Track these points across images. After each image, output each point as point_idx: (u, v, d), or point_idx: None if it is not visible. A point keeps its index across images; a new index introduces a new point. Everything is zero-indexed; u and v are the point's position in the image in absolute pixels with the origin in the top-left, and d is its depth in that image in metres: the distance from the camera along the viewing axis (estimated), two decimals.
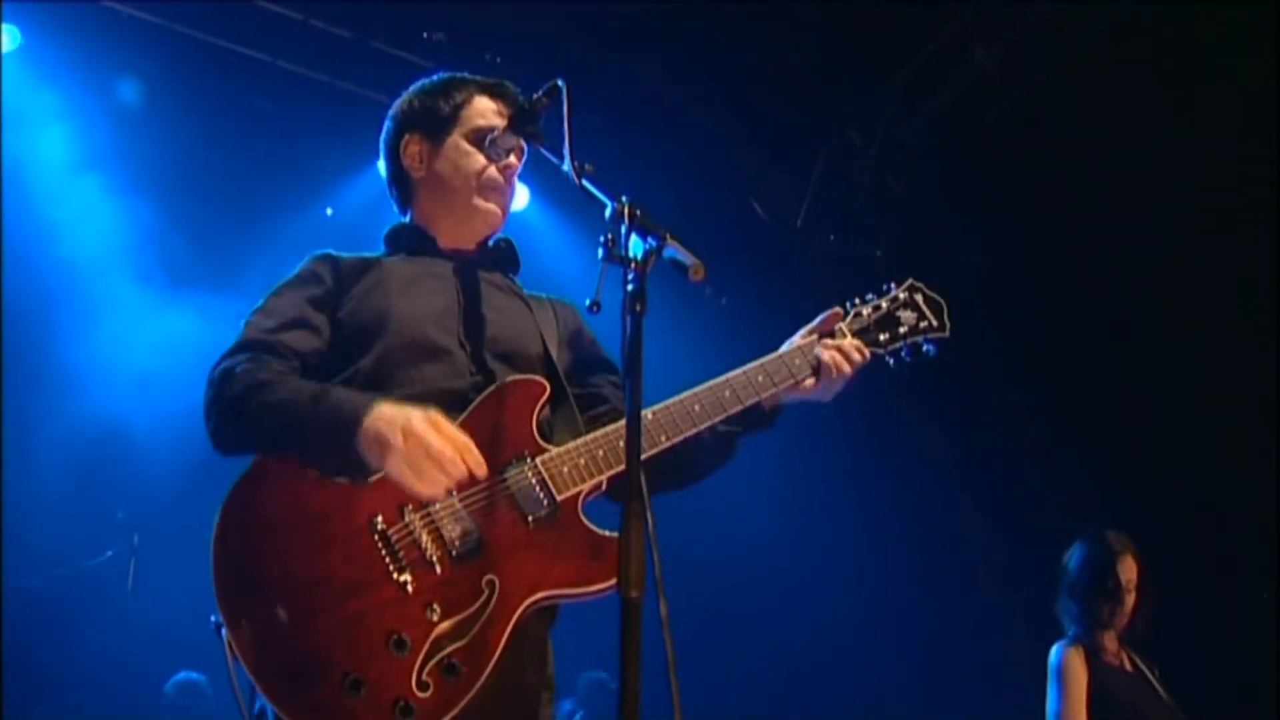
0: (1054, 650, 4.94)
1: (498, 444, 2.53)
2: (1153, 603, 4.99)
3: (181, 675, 6.75)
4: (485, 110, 2.91)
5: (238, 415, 2.49)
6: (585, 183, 2.45)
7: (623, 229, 2.22)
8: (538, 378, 2.66)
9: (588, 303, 2.25)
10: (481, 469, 2.41)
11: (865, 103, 7.65)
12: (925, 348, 3.04)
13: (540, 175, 7.33)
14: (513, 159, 2.90)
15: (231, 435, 2.53)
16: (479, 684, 2.31)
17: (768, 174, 8.14)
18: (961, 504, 8.07)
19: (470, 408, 2.56)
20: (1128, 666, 4.96)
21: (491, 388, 2.60)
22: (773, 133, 7.87)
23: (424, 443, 2.34)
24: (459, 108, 2.91)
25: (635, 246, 2.19)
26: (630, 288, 2.14)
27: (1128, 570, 4.95)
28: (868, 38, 7.10)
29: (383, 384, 2.59)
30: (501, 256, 2.99)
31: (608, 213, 2.28)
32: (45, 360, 7.04)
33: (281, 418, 2.44)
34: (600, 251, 2.21)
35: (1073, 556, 5.08)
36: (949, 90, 7.24)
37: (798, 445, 8.57)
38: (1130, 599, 4.93)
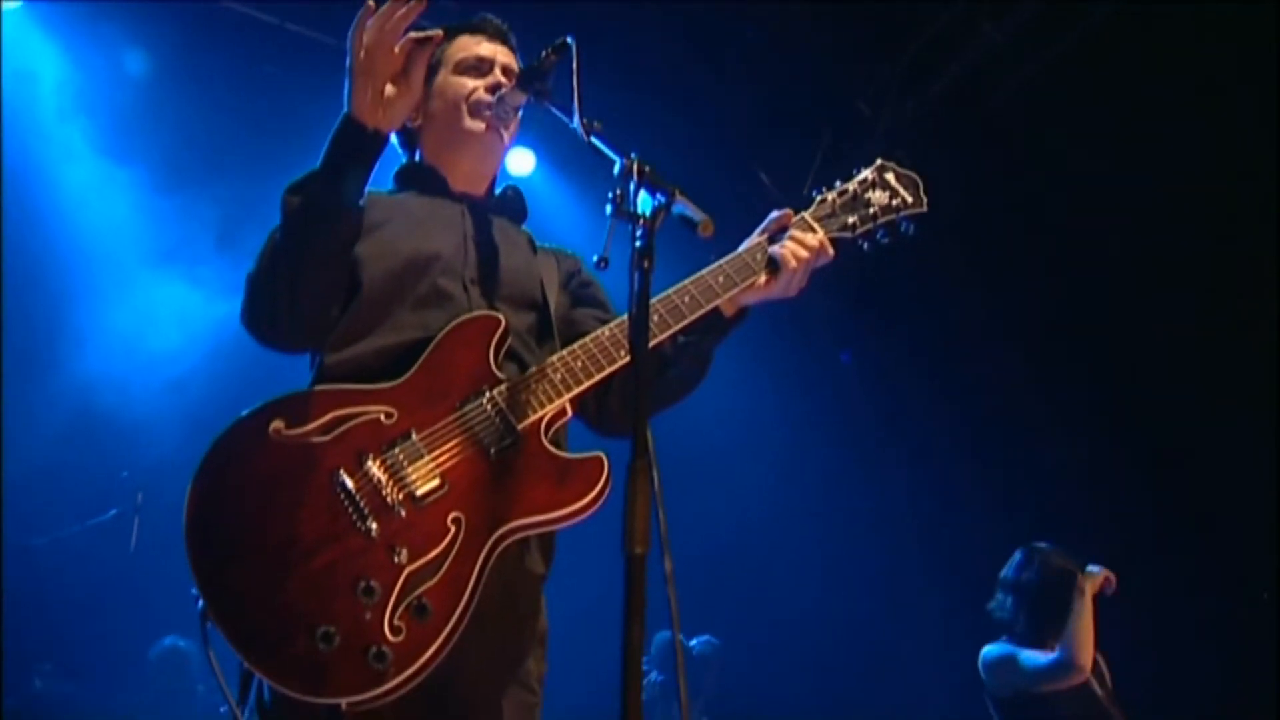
0: (991, 648, 4.94)
1: (454, 381, 2.53)
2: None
3: (167, 641, 6.77)
4: (466, 44, 2.94)
5: (275, 256, 2.50)
6: (594, 140, 2.44)
7: (631, 185, 2.20)
8: (492, 313, 2.64)
9: (595, 259, 2.23)
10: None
11: (874, 75, 7.62)
12: (903, 226, 2.92)
13: (546, 140, 7.39)
14: (500, 75, 2.89)
15: (285, 276, 2.50)
16: (452, 623, 2.30)
17: (775, 144, 8.12)
18: (965, 490, 8.08)
19: (427, 350, 2.56)
20: None
21: (444, 330, 2.59)
22: (781, 104, 7.84)
23: (355, 45, 2.50)
24: (443, 51, 2.93)
25: (644, 203, 2.17)
26: (638, 244, 2.12)
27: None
28: (878, 10, 7.07)
29: (382, 324, 2.61)
30: (509, 204, 3.00)
31: (616, 169, 2.25)
32: (50, 321, 7.06)
33: (302, 201, 2.49)
34: (609, 207, 2.19)
35: (1027, 569, 5.05)
36: (958, 64, 7.20)
37: (804, 429, 8.65)
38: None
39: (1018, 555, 5.13)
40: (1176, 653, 5.88)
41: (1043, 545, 5.12)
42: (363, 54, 2.50)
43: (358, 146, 2.52)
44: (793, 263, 2.71)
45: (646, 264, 2.10)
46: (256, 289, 2.54)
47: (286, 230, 2.49)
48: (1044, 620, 4.91)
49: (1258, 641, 6.47)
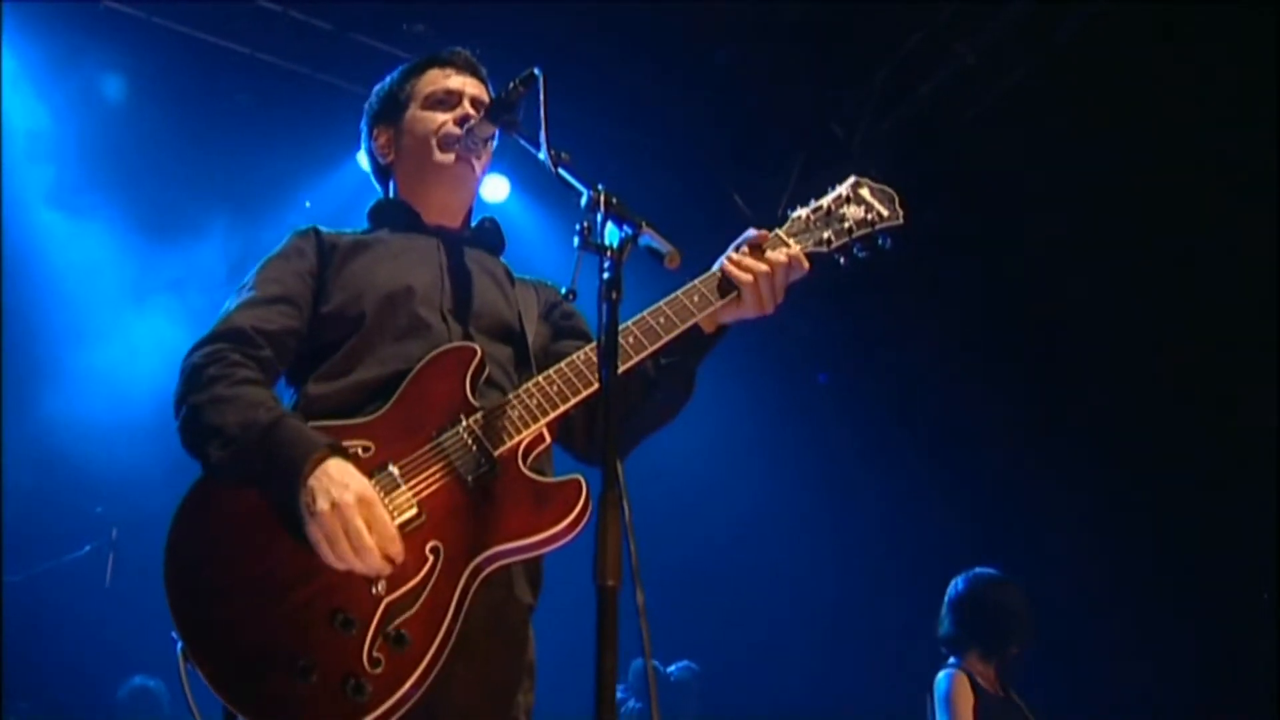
0: (941, 676, 5.12)
1: (431, 412, 2.53)
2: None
3: (136, 681, 6.70)
4: (434, 77, 2.98)
5: (195, 427, 2.46)
6: (561, 171, 2.45)
7: (598, 217, 2.21)
8: (468, 343, 2.64)
9: (564, 291, 2.26)
10: (400, 557, 2.34)
11: (846, 97, 7.65)
12: (880, 240, 2.85)
13: (519, 167, 7.39)
14: (469, 107, 2.91)
15: (187, 441, 2.50)
16: (431, 652, 2.29)
17: (748, 168, 8.15)
18: (944, 512, 8.08)
19: (404, 383, 2.56)
20: (1000, 693, 5.14)
21: (421, 362, 2.59)
22: (754, 127, 7.87)
23: (345, 520, 2.30)
24: (412, 86, 2.97)
25: (611, 234, 2.18)
26: (606, 276, 2.13)
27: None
28: (850, 31, 7.10)
29: (364, 359, 2.61)
30: (486, 235, 3.02)
31: (583, 201, 2.27)
32: (23, 356, 7.02)
33: (230, 458, 2.40)
34: (576, 240, 2.21)
35: (958, 586, 5.26)
36: (931, 85, 7.25)
37: (780, 449, 8.65)
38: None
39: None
40: (1175, 656, 5.85)
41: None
42: (334, 513, 2.31)
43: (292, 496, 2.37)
44: (741, 279, 2.63)
45: (614, 295, 2.10)
46: (179, 419, 2.51)
47: (197, 449, 2.45)
48: (978, 626, 5.14)
49: (1258, 642, 6.50)
